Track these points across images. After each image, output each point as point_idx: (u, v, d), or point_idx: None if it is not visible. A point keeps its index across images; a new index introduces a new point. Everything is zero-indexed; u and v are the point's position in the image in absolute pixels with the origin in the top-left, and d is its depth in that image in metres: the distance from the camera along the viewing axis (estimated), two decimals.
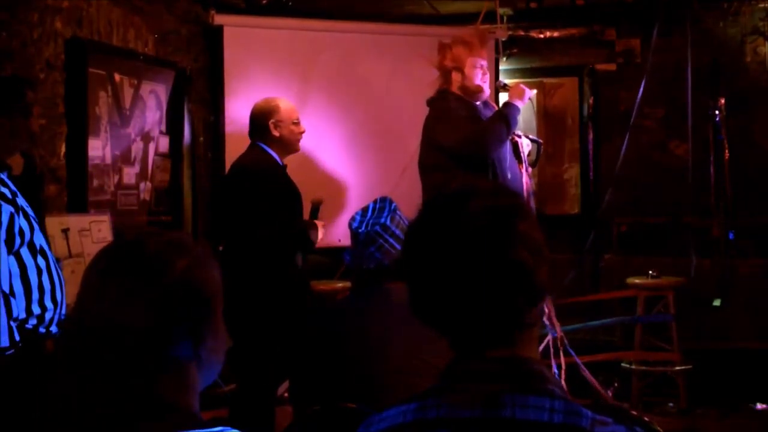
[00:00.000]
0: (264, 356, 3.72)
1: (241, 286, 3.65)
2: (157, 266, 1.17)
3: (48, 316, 2.64)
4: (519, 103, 3.96)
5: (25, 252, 2.60)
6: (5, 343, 2.48)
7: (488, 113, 4.09)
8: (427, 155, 4.00)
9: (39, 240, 2.66)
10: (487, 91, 4.09)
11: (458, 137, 3.85)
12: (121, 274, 1.17)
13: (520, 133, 4.13)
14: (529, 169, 4.15)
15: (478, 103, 4.04)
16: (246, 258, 3.70)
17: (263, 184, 3.70)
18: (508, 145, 4.00)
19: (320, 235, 3.85)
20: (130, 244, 1.22)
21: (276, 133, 3.80)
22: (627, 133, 5.44)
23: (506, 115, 3.94)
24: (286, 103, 3.90)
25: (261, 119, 3.83)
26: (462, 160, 3.82)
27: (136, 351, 1.14)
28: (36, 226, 2.66)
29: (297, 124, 3.86)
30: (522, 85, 4.11)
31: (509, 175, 3.92)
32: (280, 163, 3.84)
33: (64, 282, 2.76)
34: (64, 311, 2.73)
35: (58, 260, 2.86)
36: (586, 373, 4.45)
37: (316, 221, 3.88)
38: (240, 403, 3.77)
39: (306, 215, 3.94)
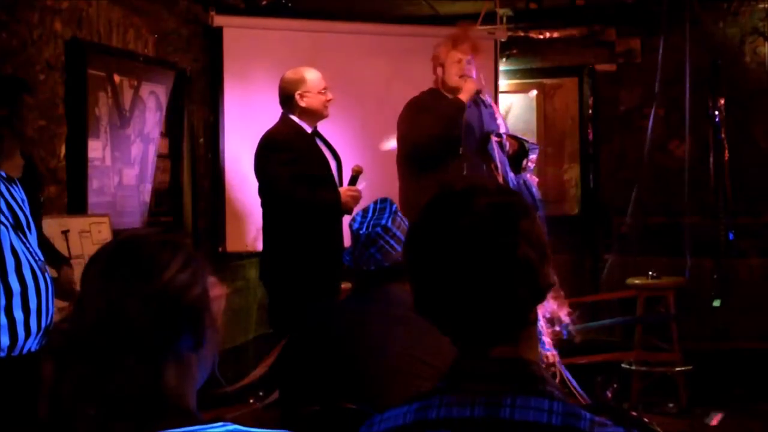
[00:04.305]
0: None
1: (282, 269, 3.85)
2: (154, 264, 1.19)
3: (20, 328, 2.61)
4: (465, 98, 4.02)
5: None
6: None
7: (477, 111, 4.11)
8: (398, 151, 4.18)
9: (12, 240, 2.64)
10: (468, 87, 4.07)
11: (405, 141, 4.04)
12: (119, 273, 1.18)
13: (502, 133, 4.11)
14: (526, 174, 4.11)
15: (466, 100, 4.05)
16: (283, 229, 3.88)
17: (288, 152, 3.85)
18: (476, 145, 4.03)
19: (355, 200, 3.94)
20: (127, 243, 1.24)
21: (303, 104, 3.95)
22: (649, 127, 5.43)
23: (449, 112, 3.99)
24: (312, 73, 4.01)
25: (288, 91, 3.97)
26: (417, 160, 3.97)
27: (139, 348, 1.15)
28: (8, 226, 2.65)
29: (324, 92, 3.99)
30: (470, 80, 4.09)
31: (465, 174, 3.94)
32: (309, 131, 3.98)
33: (36, 284, 2.73)
34: (47, 320, 2.71)
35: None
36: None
37: (352, 187, 3.97)
38: None
39: (341, 178, 4.09)
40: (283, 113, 4.03)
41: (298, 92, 3.94)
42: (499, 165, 4.01)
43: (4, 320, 2.58)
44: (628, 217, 5.74)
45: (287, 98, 3.98)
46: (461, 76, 4.07)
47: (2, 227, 2.63)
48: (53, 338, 2.64)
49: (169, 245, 1.22)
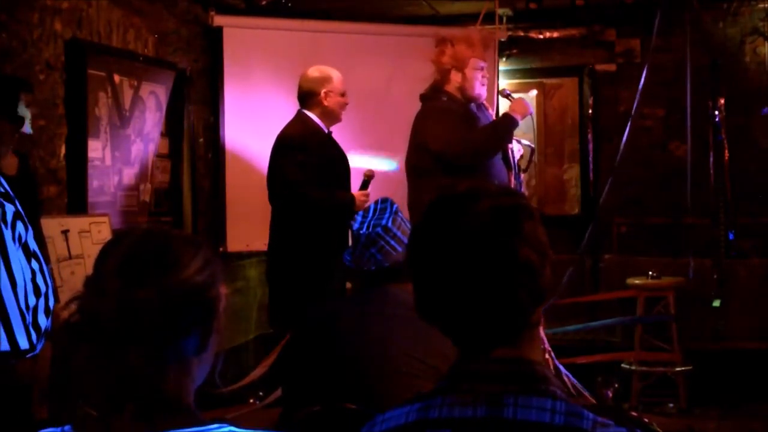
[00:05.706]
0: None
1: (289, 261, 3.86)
2: (176, 259, 1.18)
3: (43, 325, 2.64)
4: (519, 118, 3.93)
5: (20, 254, 2.59)
6: (5, 347, 2.47)
7: (481, 117, 4.05)
8: (414, 155, 3.96)
9: (32, 244, 2.65)
10: (484, 95, 4.05)
11: (448, 142, 3.77)
12: (141, 261, 1.17)
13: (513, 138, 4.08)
14: (521, 175, 4.10)
15: (472, 104, 4.00)
16: (295, 224, 3.88)
17: (305, 151, 3.85)
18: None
19: (364, 204, 3.89)
20: (153, 234, 1.24)
21: (326, 103, 3.96)
22: (625, 132, 5.43)
23: (504, 129, 3.91)
24: (336, 73, 4.03)
25: (313, 88, 3.97)
26: (448, 164, 3.77)
27: (147, 338, 1.14)
28: (30, 229, 2.66)
29: (344, 95, 4.00)
30: (525, 101, 4.04)
31: (496, 182, 3.86)
32: (325, 131, 3.98)
33: (53, 287, 2.75)
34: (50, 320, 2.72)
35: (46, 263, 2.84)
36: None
37: (364, 191, 3.97)
38: None
39: (350, 181, 4.09)
40: (299, 111, 4.01)
41: (324, 90, 3.94)
42: (514, 169, 4.02)
43: (29, 319, 2.59)
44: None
45: (310, 95, 3.97)
46: (484, 85, 3.99)
47: (30, 227, 2.64)
48: (68, 318, 2.64)
49: (193, 244, 1.22)
